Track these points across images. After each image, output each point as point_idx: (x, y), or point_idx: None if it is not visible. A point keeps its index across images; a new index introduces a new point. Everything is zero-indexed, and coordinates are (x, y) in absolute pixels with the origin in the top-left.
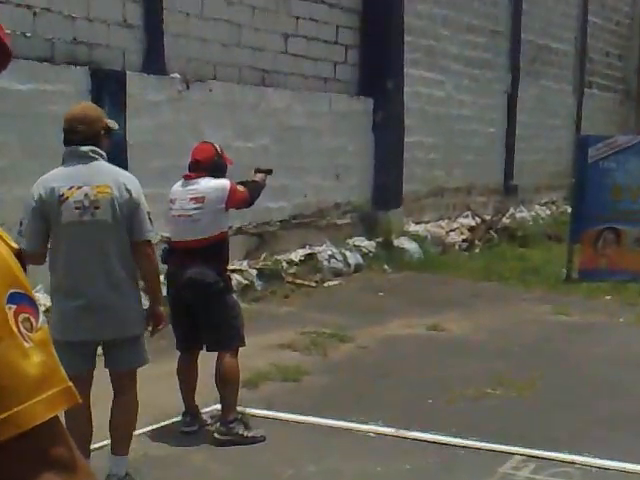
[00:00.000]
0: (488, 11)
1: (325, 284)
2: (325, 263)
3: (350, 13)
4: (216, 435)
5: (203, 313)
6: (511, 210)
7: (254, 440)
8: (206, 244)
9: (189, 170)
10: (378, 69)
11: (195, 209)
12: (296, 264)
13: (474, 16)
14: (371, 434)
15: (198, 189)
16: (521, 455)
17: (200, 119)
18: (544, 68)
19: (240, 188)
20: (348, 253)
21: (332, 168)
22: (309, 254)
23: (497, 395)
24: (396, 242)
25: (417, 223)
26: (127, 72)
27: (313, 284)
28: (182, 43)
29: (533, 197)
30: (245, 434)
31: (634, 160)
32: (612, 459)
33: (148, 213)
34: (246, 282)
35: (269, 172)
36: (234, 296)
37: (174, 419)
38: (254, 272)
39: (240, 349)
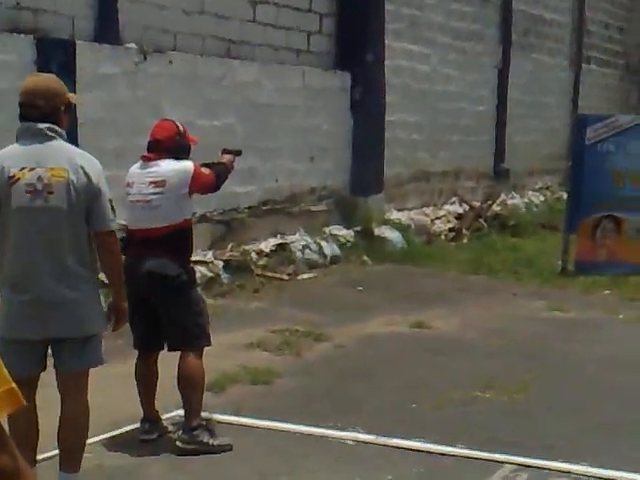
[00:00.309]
0: None
1: (298, 277)
2: (298, 254)
3: None
4: (178, 443)
5: (164, 309)
6: (502, 196)
7: (220, 449)
8: (167, 233)
9: (148, 150)
10: (356, 40)
11: (155, 194)
12: (266, 255)
13: None
14: (349, 442)
15: (158, 172)
16: (513, 464)
17: (159, 94)
18: (538, 41)
19: (205, 171)
20: (324, 243)
21: (306, 149)
22: (281, 244)
23: (487, 399)
24: (377, 231)
25: (399, 210)
26: (77, 41)
27: (285, 277)
28: (139, 10)
29: (526, 182)
30: (210, 442)
31: (636, 143)
32: (611, 468)
33: (110, 200)
34: (211, 275)
35: (238, 153)
36: (198, 290)
37: (131, 426)
38: (220, 264)
39: (205, 349)
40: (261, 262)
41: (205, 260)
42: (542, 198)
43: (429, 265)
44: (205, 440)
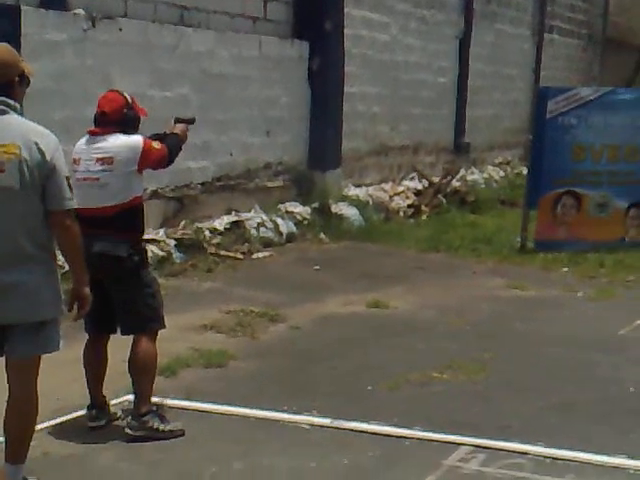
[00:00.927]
0: None
1: (253, 256)
2: (253, 232)
3: None
4: (127, 430)
5: (115, 292)
6: (462, 172)
7: (171, 435)
8: (116, 212)
9: (95, 124)
10: (314, 8)
11: (102, 171)
12: (220, 233)
13: None
14: (305, 426)
15: (105, 147)
16: (469, 445)
17: (108, 63)
18: (500, 10)
19: (156, 145)
20: (280, 220)
21: (262, 122)
22: (235, 222)
23: (444, 380)
24: (334, 208)
25: (358, 186)
26: (22, 7)
27: (240, 256)
28: None
29: (486, 156)
30: (161, 428)
31: (597, 115)
32: (567, 448)
33: (67, 178)
34: (163, 254)
35: (191, 122)
36: (150, 271)
37: (78, 412)
38: (172, 242)
39: (159, 332)
40: (215, 240)
41: (156, 238)
42: (502, 173)
43: (387, 243)
44: (155, 426)
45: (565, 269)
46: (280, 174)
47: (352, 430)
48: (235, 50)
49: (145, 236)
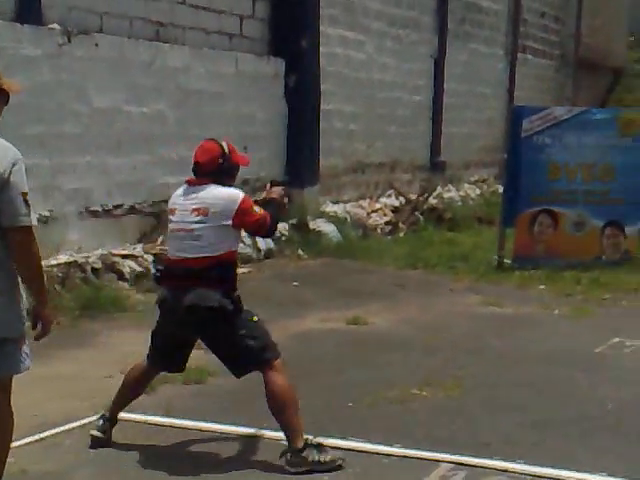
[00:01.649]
0: None
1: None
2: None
3: None
4: (289, 468)
5: (211, 344)
6: (438, 189)
7: (334, 464)
8: (208, 264)
9: (193, 174)
10: (291, 26)
11: (197, 222)
12: None
13: None
14: (283, 442)
15: (201, 198)
16: (449, 463)
17: (84, 78)
18: (474, 30)
19: (257, 209)
20: (258, 237)
21: (239, 139)
22: None
23: (424, 397)
24: (312, 224)
25: (335, 203)
26: None
27: None
28: None
29: (462, 174)
30: (322, 459)
31: (572, 135)
32: (547, 466)
33: (24, 194)
34: (141, 269)
35: (284, 185)
36: (246, 314)
37: (55, 429)
38: (150, 258)
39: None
40: None
41: (134, 254)
42: (478, 191)
43: (366, 259)
44: (317, 459)
45: (542, 287)
46: (257, 190)
47: (332, 447)
48: (211, 66)
49: (122, 251)
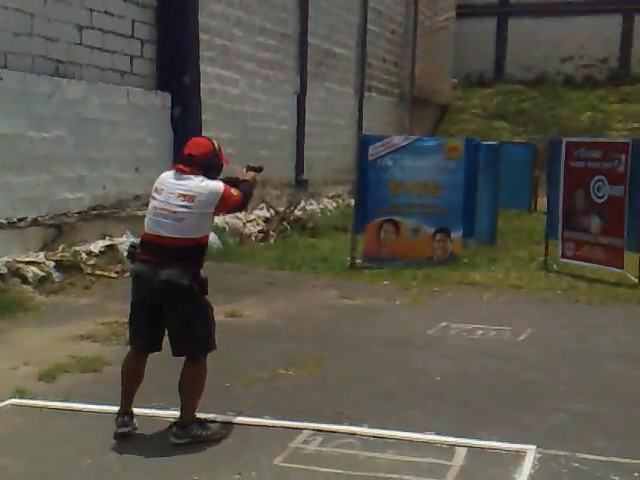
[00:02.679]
0: (278, 15)
1: (126, 274)
2: (126, 254)
3: (146, 8)
4: (174, 439)
5: (173, 315)
6: (302, 203)
7: (213, 437)
8: (186, 245)
9: (182, 163)
10: (175, 65)
11: (182, 207)
12: (96, 255)
13: (265, 19)
14: (171, 419)
15: (189, 186)
16: (310, 430)
17: None
18: (329, 72)
19: (234, 192)
20: None
21: (132, 160)
22: (109, 245)
23: (290, 376)
24: None
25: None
26: None
27: (114, 275)
28: None
29: (322, 191)
30: (203, 434)
31: (408, 158)
32: (388, 428)
33: None
34: (43, 274)
35: (260, 170)
36: (207, 299)
37: None
38: (52, 264)
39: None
40: (91, 262)
41: (37, 261)
42: (335, 204)
43: (242, 262)
44: (198, 433)
45: (386, 282)
46: (148, 204)
47: (212, 421)
48: (106, 98)
49: (25, 258)
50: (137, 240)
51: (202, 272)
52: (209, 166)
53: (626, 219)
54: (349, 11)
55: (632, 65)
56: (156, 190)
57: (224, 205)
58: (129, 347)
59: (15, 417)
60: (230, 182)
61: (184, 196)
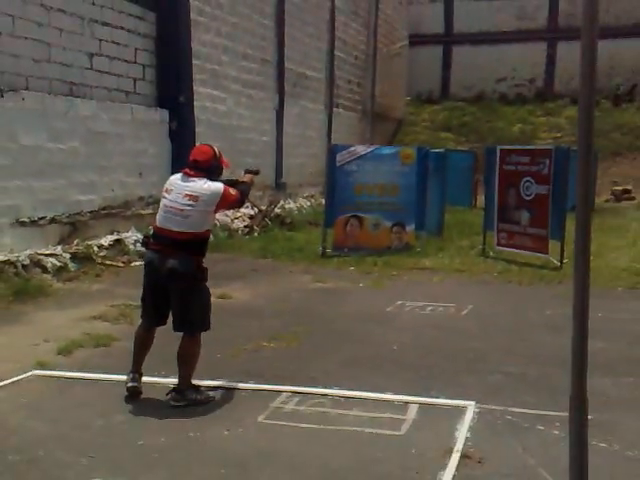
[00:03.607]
0: (258, 43)
1: (132, 264)
2: (131, 247)
3: (147, 38)
4: (172, 402)
5: (178, 298)
6: (281, 202)
7: (207, 400)
8: (190, 238)
9: (188, 167)
10: (172, 86)
11: (188, 205)
12: (106, 248)
13: (248, 47)
14: (171, 385)
15: (194, 187)
16: (287, 392)
17: (14, 124)
18: (303, 91)
19: (232, 191)
20: None
21: (136, 167)
22: (117, 239)
23: (271, 347)
24: None
25: None
26: None
27: (121, 264)
28: None
29: (298, 191)
30: (198, 397)
31: (369, 164)
32: (353, 389)
33: None
34: (60, 264)
35: (257, 173)
36: (207, 286)
37: None
38: (68, 255)
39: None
40: (101, 253)
41: (55, 253)
42: (309, 203)
43: (230, 253)
44: (193, 397)
45: (352, 268)
46: (150, 204)
47: (206, 387)
48: (113, 115)
49: (45, 251)
50: (150, 231)
51: (203, 262)
52: (211, 170)
53: (550, 213)
54: (319, 40)
55: (555, 84)
56: (166, 190)
57: (224, 203)
58: (140, 320)
59: (37, 386)
60: (230, 183)
61: (190, 196)
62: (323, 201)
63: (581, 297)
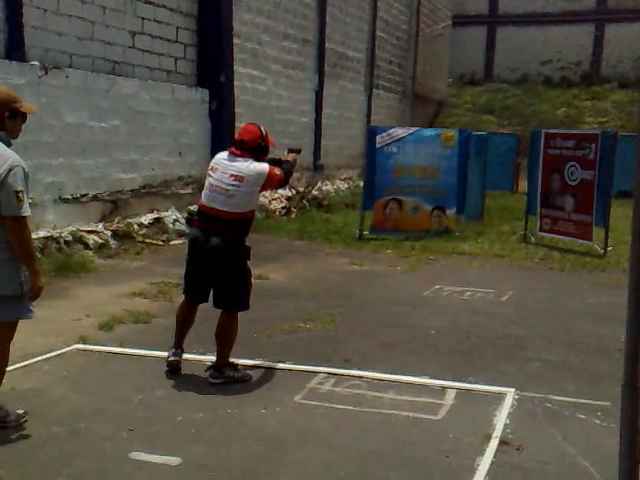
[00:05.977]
0: (300, 22)
1: (170, 243)
2: (170, 226)
3: (188, 17)
4: (210, 379)
5: (219, 275)
6: (319, 184)
7: (243, 379)
8: (235, 217)
9: (235, 147)
10: (212, 65)
11: (233, 186)
12: (146, 226)
13: (289, 26)
14: (208, 362)
15: (240, 168)
16: (324, 373)
17: (58, 101)
18: (342, 71)
19: (277, 171)
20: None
21: (175, 147)
22: (157, 218)
23: (307, 328)
24: None
25: None
26: None
27: (160, 243)
28: (40, 35)
29: (335, 174)
30: (235, 375)
31: (409, 146)
32: (389, 373)
33: (17, 192)
34: (102, 241)
35: (299, 151)
36: (249, 265)
37: (37, 358)
38: (109, 233)
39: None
40: (141, 232)
41: (97, 230)
42: (346, 185)
43: (267, 233)
44: (231, 375)
45: (388, 251)
46: (189, 184)
47: (243, 365)
48: (154, 94)
49: (87, 227)
50: (194, 209)
51: (247, 241)
52: (258, 149)
53: (595, 199)
54: (361, 20)
55: (602, 68)
56: (212, 169)
57: (269, 184)
58: (183, 297)
59: (79, 359)
60: (274, 162)
61: (235, 176)
62: (361, 183)
63: (637, 284)
